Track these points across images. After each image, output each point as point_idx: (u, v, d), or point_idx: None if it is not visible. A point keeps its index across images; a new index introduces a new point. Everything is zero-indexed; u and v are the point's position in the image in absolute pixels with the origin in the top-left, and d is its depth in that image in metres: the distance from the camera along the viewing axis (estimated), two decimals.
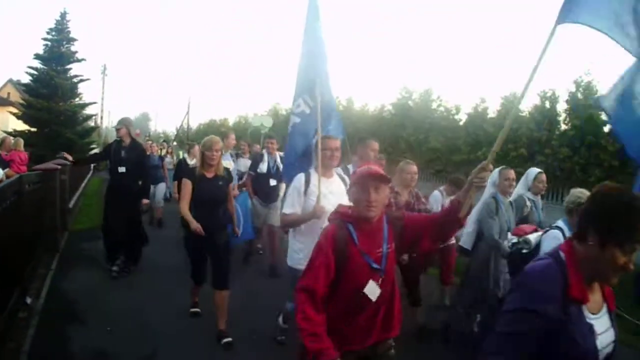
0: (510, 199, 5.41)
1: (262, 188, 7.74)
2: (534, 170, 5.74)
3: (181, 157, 19.57)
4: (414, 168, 5.36)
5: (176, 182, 9.54)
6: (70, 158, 8.11)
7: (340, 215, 2.71)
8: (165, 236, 9.56)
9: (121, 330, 5.02)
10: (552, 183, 12.29)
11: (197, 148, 9.97)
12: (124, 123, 7.19)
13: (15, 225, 5.27)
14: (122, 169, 6.95)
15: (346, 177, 4.35)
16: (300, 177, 4.13)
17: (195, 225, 4.70)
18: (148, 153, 11.50)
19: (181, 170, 9.32)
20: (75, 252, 8.31)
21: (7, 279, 4.86)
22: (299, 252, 4.06)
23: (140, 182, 7.24)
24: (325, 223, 3.69)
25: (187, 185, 4.92)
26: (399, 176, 5.34)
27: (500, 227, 4.98)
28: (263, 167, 7.70)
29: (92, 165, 22.43)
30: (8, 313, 4.69)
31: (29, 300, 5.55)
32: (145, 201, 7.46)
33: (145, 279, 6.74)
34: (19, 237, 5.43)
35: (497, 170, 5.18)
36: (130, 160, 7.01)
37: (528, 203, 5.53)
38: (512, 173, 5.25)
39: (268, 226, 7.92)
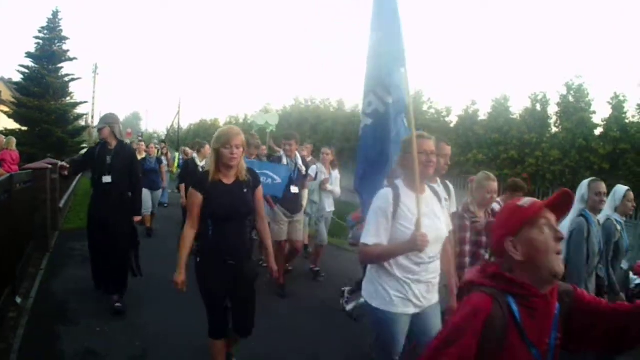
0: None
1: (282, 197, 6.52)
2: (623, 188, 4.75)
3: (177, 158, 19.48)
4: (496, 185, 4.32)
5: (183, 185, 8.78)
6: (65, 167, 6.10)
7: (495, 281, 1.74)
8: (159, 241, 9.55)
9: (111, 330, 5.01)
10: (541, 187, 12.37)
11: (207, 148, 8.77)
12: (106, 121, 5.76)
13: (5, 224, 5.26)
14: (107, 179, 5.57)
15: (438, 189, 3.40)
16: (387, 194, 3.03)
17: (180, 278, 3.59)
18: (143, 155, 10.49)
19: (188, 172, 8.59)
20: (65, 251, 8.26)
21: None
22: (391, 288, 3.03)
23: (130, 194, 5.82)
24: (433, 255, 3.04)
25: (194, 198, 3.53)
26: (478, 193, 4.31)
27: (591, 252, 4.07)
28: None
29: None
30: None
31: (18, 300, 5.53)
32: (137, 219, 6.02)
33: (134, 281, 6.72)
34: (9, 237, 5.41)
35: (585, 182, 4.35)
36: (118, 168, 5.65)
37: (618, 227, 4.53)
38: (603, 186, 4.29)
39: (291, 242, 6.75)
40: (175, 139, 36.54)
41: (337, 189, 7.92)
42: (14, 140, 11.73)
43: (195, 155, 8.99)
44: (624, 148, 10.67)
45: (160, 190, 10.80)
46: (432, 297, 3.11)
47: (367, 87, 3.84)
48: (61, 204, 10.86)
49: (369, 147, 3.88)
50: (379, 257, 3.03)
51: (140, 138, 22.70)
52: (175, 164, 18.65)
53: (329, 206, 7.88)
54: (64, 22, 27.43)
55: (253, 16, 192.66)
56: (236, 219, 3.59)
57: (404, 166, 3.15)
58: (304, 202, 6.96)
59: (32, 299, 5.79)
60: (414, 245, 2.80)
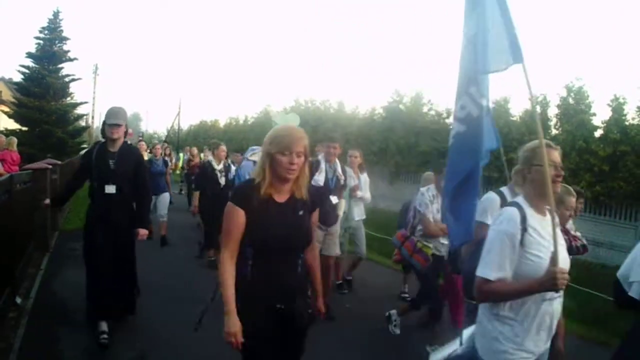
0: None
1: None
2: None
3: (181, 158, 19.40)
4: (575, 200, 3.88)
5: (197, 193, 8.09)
6: (46, 202, 5.44)
7: None
8: (159, 244, 9.46)
9: (110, 331, 4.96)
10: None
11: (222, 149, 8.22)
12: (123, 117, 4.83)
13: (5, 224, 5.27)
14: (110, 189, 4.66)
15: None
16: (514, 215, 2.44)
17: (233, 328, 2.51)
18: (148, 156, 9.98)
19: (206, 177, 7.93)
20: (65, 251, 8.26)
21: None
22: (504, 340, 2.44)
23: (135, 205, 4.97)
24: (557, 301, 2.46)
25: (235, 216, 2.61)
26: (556, 209, 4.02)
27: None
28: (319, 179, 5.62)
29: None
30: None
31: (18, 300, 5.54)
32: (142, 233, 4.95)
33: None
34: (10, 237, 5.42)
35: None
36: (123, 174, 4.74)
37: None
38: None
39: (323, 258, 5.45)
40: (175, 140, 36.50)
41: (368, 195, 7.24)
42: (15, 140, 11.73)
43: (211, 157, 8.29)
44: (624, 150, 10.67)
45: (167, 194, 9.93)
46: (548, 342, 2.56)
47: (460, 87, 3.27)
48: None
49: (460, 159, 3.25)
50: (504, 297, 2.44)
51: (140, 138, 22.61)
52: (180, 164, 18.60)
53: (359, 215, 7.19)
54: (65, 23, 27.41)
55: (253, 17, 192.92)
56: (288, 250, 2.71)
57: (529, 181, 2.59)
58: (340, 212, 6.30)
59: (32, 299, 5.80)
60: (551, 285, 2.26)
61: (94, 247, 4.75)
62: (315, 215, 2.90)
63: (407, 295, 7.08)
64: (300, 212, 2.72)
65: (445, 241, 5.04)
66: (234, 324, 2.51)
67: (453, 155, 3.32)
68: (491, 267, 2.39)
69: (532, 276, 2.35)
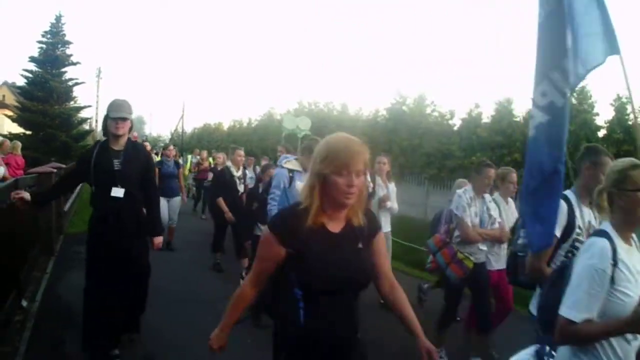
0: None
1: None
2: None
3: (189, 161, 19.35)
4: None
5: (221, 199, 7.69)
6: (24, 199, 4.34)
7: None
8: (166, 250, 9.39)
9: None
10: None
11: (239, 153, 8.02)
12: (128, 110, 4.23)
13: (10, 228, 5.29)
14: (117, 193, 4.11)
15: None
16: (605, 249, 2.12)
17: (218, 342, 2.42)
18: (158, 157, 9.87)
19: (225, 183, 7.77)
20: (70, 255, 8.26)
21: (3, 282, 4.87)
22: None
23: (146, 210, 4.50)
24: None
25: (269, 248, 2.14)
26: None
27: None
28: None
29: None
30: (3, 316, 4.70)
31: (24, 304, 5.55)
32: (158, 241, 4.69)
33: None
34: (15, 241, 5.44)
35: None
36: (131, 175, 4.20)
37: None
38: None
39: None
40: (179, 143, 36.55)
41: (395, 205, 6.69)
42: (19, 144, 11.76)
43: (229, 163, 8.08)
44: (628, 150, 10.65)
45: (179, 198, 9.57)
46: None
47: (540, 71, 2.90)
48: (66, 208, 10.91)
49: (545, 153, 2.83)
50: (588, 340, 2.15)
51: (144, 140, 22.64)
52: (188, 166, 18.60)
53: (386, 226, 6.45)
54: (67, 27, 27.43)
55: (255, 19, 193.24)
56: (347, 291, 2.20)
57: (618, 207, 2.23)
58: None
59: (37, 302, 5.82)
60: (637, 328, 1.99)
61: (97, 250, 4.36)
62: (380, 239, 2.33)
63: (424, 296, 6.51)
64: (360, 245, 2.19)
65: (484, 247, 4.76)
66: (221, 340, 2.39)
67: (536, 147, 2.93)
68: (577, 308, 2.09)
69: (619, 316, 2.06)
